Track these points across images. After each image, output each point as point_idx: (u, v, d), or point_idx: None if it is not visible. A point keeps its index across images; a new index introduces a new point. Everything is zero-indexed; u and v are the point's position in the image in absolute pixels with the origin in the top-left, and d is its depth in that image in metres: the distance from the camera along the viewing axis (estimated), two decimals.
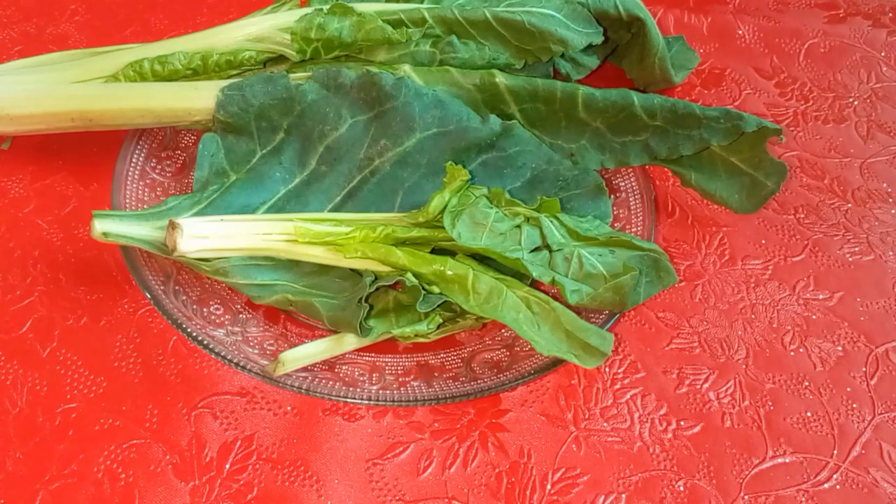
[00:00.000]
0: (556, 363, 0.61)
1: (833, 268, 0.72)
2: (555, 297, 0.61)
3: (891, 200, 0.76)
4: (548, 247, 0.63)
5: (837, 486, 0.61)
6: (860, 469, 0.61)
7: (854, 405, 0.64)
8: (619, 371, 0.66)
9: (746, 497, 0.60)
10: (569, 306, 0.60)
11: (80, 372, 0.64)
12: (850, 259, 0.72)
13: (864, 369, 0.66)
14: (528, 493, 0.60)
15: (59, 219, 0.73)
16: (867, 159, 0.79)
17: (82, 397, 0.63)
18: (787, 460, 0.62)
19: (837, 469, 0.61)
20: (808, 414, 0.64)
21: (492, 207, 0.63)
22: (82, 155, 0.77)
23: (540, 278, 0.61)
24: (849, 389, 0.65)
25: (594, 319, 0.63)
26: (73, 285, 0.69)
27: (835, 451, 0.62)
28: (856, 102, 0.84)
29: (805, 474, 0.61)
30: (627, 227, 0.70)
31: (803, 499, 0.60)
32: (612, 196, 0.69)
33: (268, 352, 0.63)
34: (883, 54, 0.88)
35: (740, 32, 0.90)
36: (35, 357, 0.65)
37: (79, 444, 0.61)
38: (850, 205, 0.76)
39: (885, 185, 0.77)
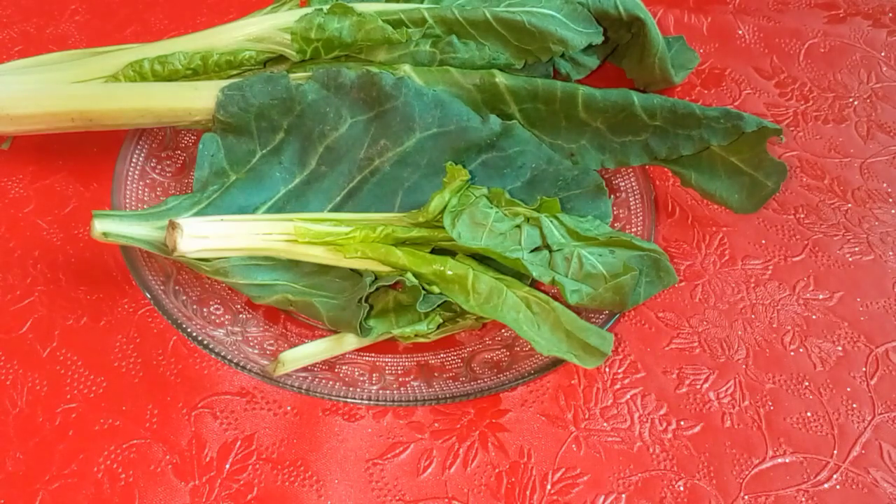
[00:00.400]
0: (556, 363, 0.61)
1: (833, 268, 0.72)
2: (555, 297, 0.61)
3: (891, 200, 0.76)
4: (548, 247, 0.63)
5: (837, 486, 0.61)
6: (860, 469, 0.61)
7: (854, 405, 0.64)
8: (619, 371, 0.66)
9: (746, 497, 0.60)
10: (569, 306, 0.60)
11: (80, 372, 0.64)
12: (850, 259, 0.72)
13: (864, 369, 0.66)
14: (527, 493, 0.60)
15: (59, 219, 0.73)
16: (867, 159, 0.79)
17: (82, 397, 0.63)
18: (787, 460, 0.62)
19: (837, 469, 0.61)
20: (808, 414, 0.64)
21: (492, 207, 0.63)
22: (82, 155, 0.77)
23: (540, 278, 0.61)
24: (849, 389, 0.65)
25: (594, 319, 0.63)
26: (73, 285, 0.69)
27: (835, 451, 0.62)
28: (856, 102, 0.84)
29: (805, 474, 0.61)
30: (627, 227, 0.70)
31: (803, 499, 0.60)
32: (612, 196, 0.69)
33: (268, 352, 0.63)
34: (883, 54, 0.88)
35: (740, 32, 0.90)
36: (35, 357, 0.65)
37: (79, 444, 0.61)
38: (850, 205, 0.76)
39: (885, 185, 0.77)
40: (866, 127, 0.82)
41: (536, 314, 0.60)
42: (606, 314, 0.63)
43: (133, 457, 0.61)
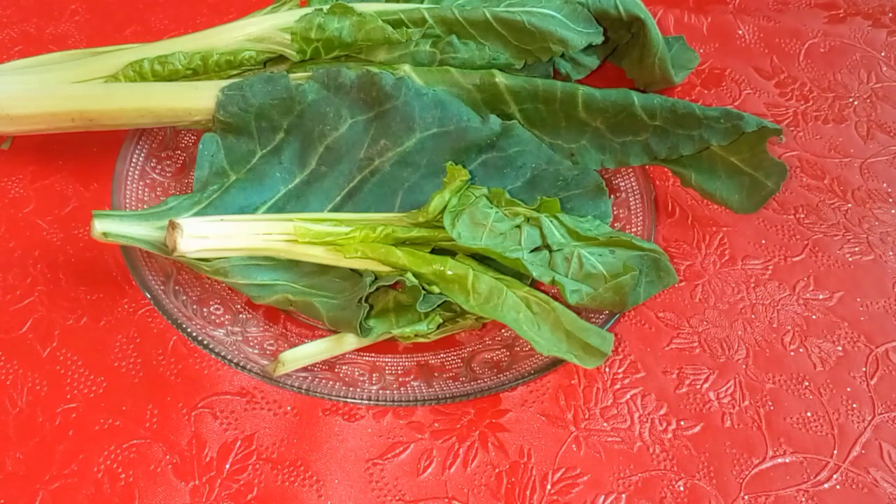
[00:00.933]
0: (556, 363, 0.61)
1: (833, 268, 0.72)
2: (555, 297, 0.61)
3: (891, 200, 0.76)
4: (548, 247, 0.63)
5: (837, 486, 0.61)
6: (860, 469, 0.61)
7: (854, 405, 0.64)
8: (619, 371, 0.66)
9: (746, 497, 0.60)
10: (569, 306, 0.60)
11: (80, 372, 0.64)
12: (850, 259, 0.72)
13: (864, 369, 0.66)
14: (527, 493, 0.60)
15: (59, 219, 0.73)
16: (867, 159, 0.79)
17: (82, 397, 0.63)
18: (787, 460, 0.62)
19: (837, 469, 0.61)
20: (808, 414, 0.64)
21: (492, 207, 0.63)
22: (82, 155, 0.76)
23: (540, 278, 0.61)
24: (849, 389, 0.65)
25: (594, 319, 0.63)
26: (73, 285, 0.69)
27: (835, 452, 0.62)
28: (856, 102, 0.84)
29: (805, 474, 0.61)
30: (627, 227, 0.70)
31: (803, 499, 0.60)
32: (612, 196, 0.69)
33: (268, 352, 0.63)
34: (883, 54, 0.88)
35: (740, 32, 0.90)
36: (35, 357, 0.65)
37: (79, 444, 0.61)
38: (850, 205, 0.76)
39: (885, 185, 0.78)
40: (866, 127, 0.82)
41: (536, 314, 0.60)
42: (606, 314, 0.63)
43: (133, 457, 0.61)
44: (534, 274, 0.61)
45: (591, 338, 0.59)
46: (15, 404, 0.63)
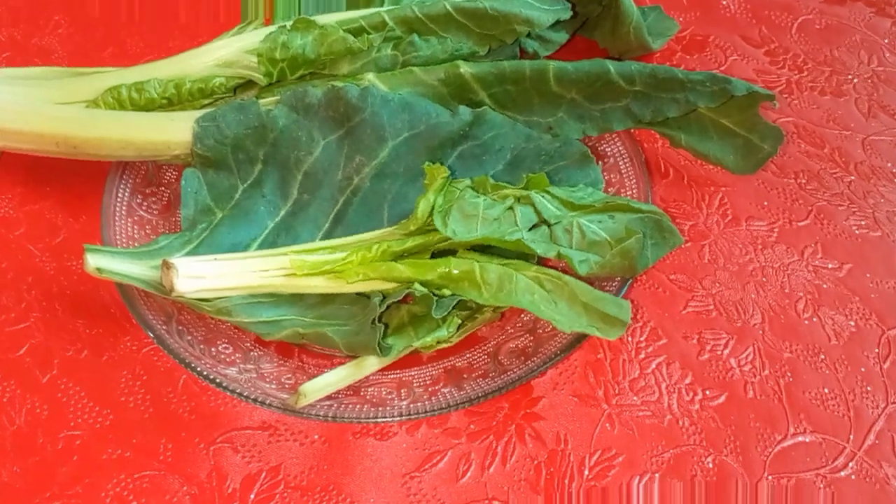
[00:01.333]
0: (580, 339, 0.60)
1: (840, 238, 0.72)
2: (564, 272, 0.60)
3: None
4: (545, 221, 0.61)
5: (853, 476, 0.60)
6: (873, 461, 0.61)
7: (868, 388, 0.64)
8: (642, 339, 0.66)
9: (770, 477, 0.60)
10: (580, 278, 0.59)
11: (83, 402, 0.62)
12: (857, 232, 0.72)
13: (876, 350, 0.66)
14: (566, 481, 0.59)
15: (51, 248, 0.70)
16: (869, 136, 0.79)
17: (87, 426, 0.61)
18: (807, 440, 0.62)
19: (853, 457, 0.61)
20: (826, 390, 0.64)
21: (479, 196, 0.62)
22: (69, 185, 0.74)
23: (545, 254, 0.60)
24: (863, 370, 0.65)
25: (608, 288, 0.62)
26: (70, 317, 0.66)
27: (851, 436, 0.62)
28: (855, 80, 0.83)
29: (824, 458, 0.61)
30: (622, 191, 0.69)
31: (821, 484, 0.60)
32: (599, 162, 0.68)
33: (286, 385, 0.60)
34: (886, 41, 0.87)
35: (724, 3, 0.88)
36: (34, 381, 0.63)
37: (84, 470, 0.59)
38: (853, 177, 0.75)
39: (889, 164, 0.77)
40: (867, 105, 0.81)
41: (551, 291, 0.59)
42: (619, 282, 0.63)
43: (146, 486, 0.58)
44: (538, 251, 0.60)
45: (608, 307, 0.58)
46: (13, 422, 0.61)
